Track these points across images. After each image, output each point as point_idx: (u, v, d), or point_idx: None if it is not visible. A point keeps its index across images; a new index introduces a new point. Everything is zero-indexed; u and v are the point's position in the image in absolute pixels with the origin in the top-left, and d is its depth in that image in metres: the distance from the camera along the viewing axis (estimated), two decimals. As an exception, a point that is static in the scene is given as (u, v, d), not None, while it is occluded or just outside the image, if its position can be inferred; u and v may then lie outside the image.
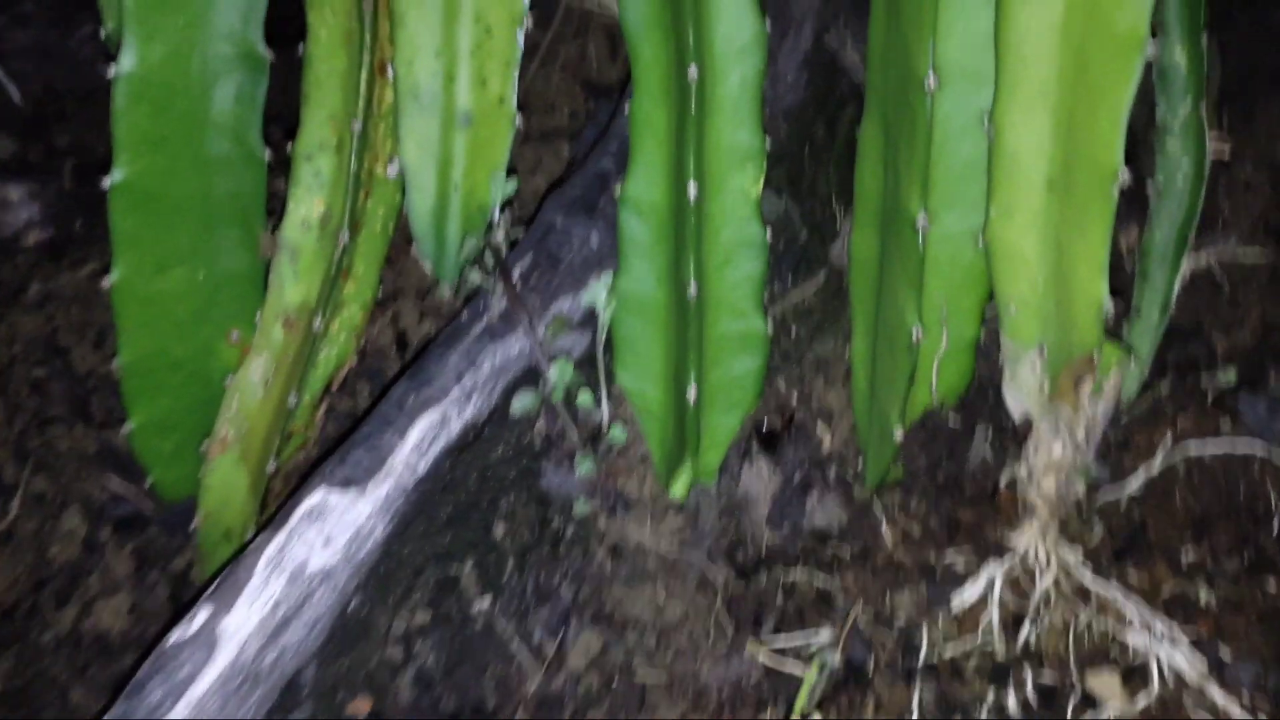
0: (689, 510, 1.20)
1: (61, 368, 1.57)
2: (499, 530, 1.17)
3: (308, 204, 1.23)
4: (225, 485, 1.29)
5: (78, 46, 1.83)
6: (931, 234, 1.00)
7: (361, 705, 1.08)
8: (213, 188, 1.23)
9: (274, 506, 1.34)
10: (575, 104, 1.76)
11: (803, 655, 1.02)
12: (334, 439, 1.37)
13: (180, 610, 1.04)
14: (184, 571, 1.39)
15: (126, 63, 1.10)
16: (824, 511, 1.17)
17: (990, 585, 1.03)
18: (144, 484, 1.38)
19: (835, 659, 0.90)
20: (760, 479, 1.22)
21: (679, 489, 1.19)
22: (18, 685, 1.30)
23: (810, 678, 0.79)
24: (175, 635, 0.97)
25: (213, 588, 1.00)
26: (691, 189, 1.05)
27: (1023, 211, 0.96)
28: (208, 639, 0.96)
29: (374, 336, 1.51)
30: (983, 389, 1.17)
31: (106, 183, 1.14)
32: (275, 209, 1.25)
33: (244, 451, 1.27)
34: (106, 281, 1.18)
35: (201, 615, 0.98)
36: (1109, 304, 0.91)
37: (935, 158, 0.99)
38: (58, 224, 1.70)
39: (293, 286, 1.23)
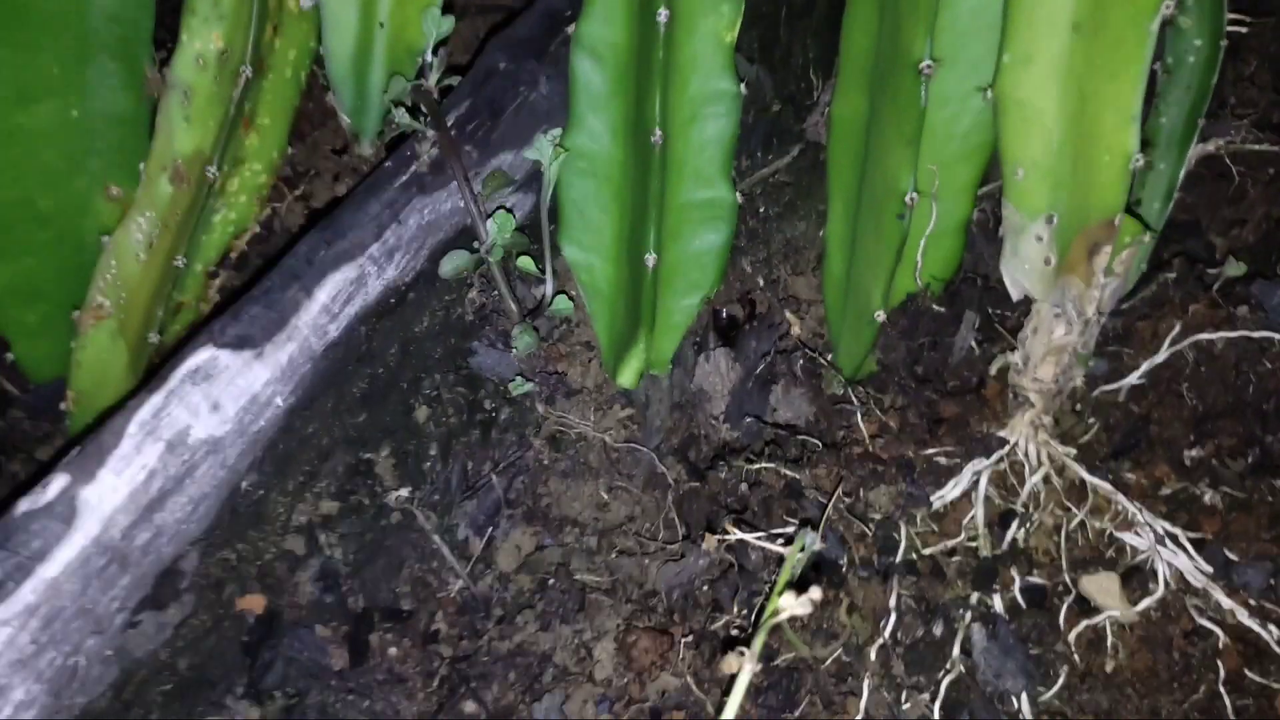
0: (638, 401, 1.07)
1: (-92, 234, 1.35)
2: (421, 412, 1.02)
3: (204, 36, 1.05)
4: (100, 361, 1.11)
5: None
6: (931, 93, 0.88)
7: (254, 602, 0.93)
8: (90, 5, 1.05)
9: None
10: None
11: (767, 553, 0.90)
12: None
13: (32, 478, 0.87)
14: (51, 460, 1.21)
15: None
16: (789, 406, 1.05)
17: (975, 482, 0.92)
18: (4, 361, 1.20)
19: (815, 542, 0.78)
20: (718, 372, 1.09)
21: (628, 377, 1.06)
22: None
23: (792, 557, 0.68)
24: (24, 504, 0.80)
25: (73, 453, 0.83)
26: (662, 17, 0.90)
27: (1042, 59, 0.85)
28: (65, 509, 0.80)
29: (282, 215, 1.34)
30: (968, 277, 1.06)
31: (-43, -19, 0.95)
32: (166, 42, 1.08)
33: (122, 323, 1.10)
34: (-45, 106, 1.00)
35: (58, 483, 0.81)
36: (1139, 158, 0.80)
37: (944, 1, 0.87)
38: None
39: (184, 132, 1.06)
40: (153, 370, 1.09)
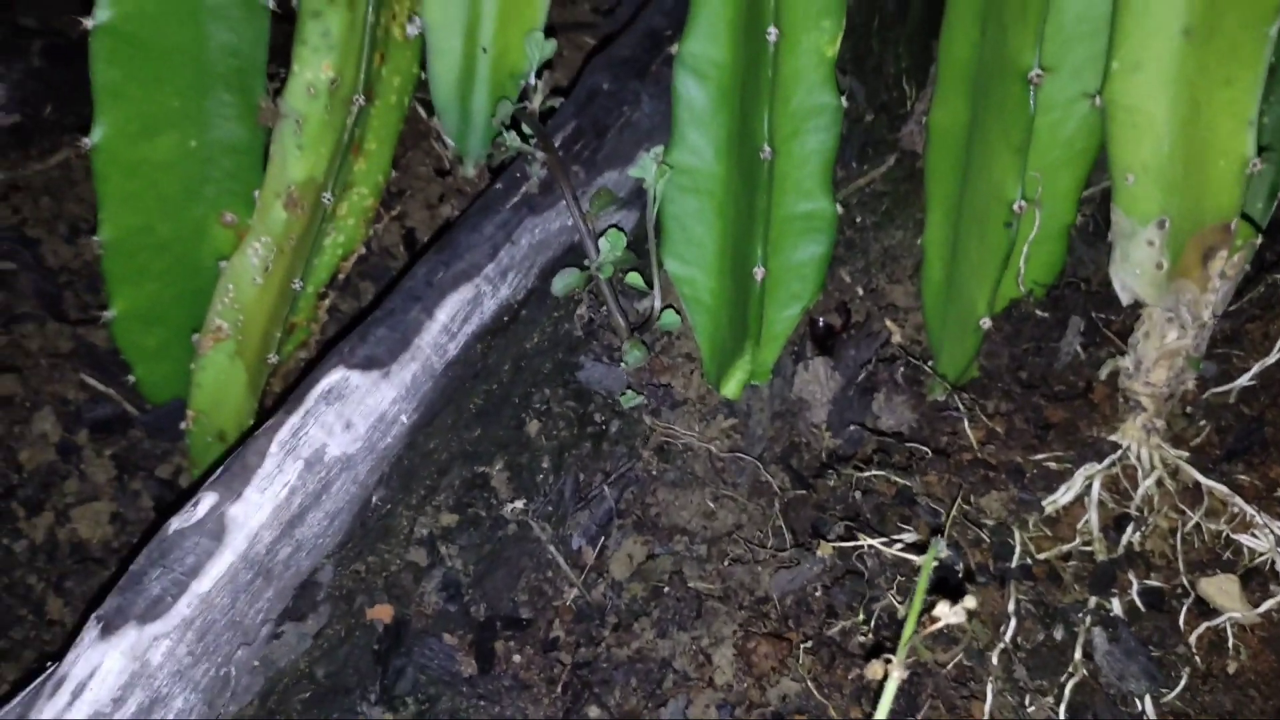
0: (740, 411, 1.09)
1: (31, 261, 1.42)
2: (533, 426, 1.05)
3: (314, 67, 1.08)
4: (219, 382, 1.16)
5: (47, -84, 1.66)
6: (1041, 101, 0.89)
7: (383, 612, 0.96)
8: (208, 40, 1.09)
9: (272, 408, 1.21)
10: (596, -2, 1.63)
11: (883, 559, 0.91)
12: (333, 343, 1.24)
13: (181, 497, 0.91)
14: (171, 478, 1.26)
15: (114, -120, 0.95)
16: (892, 413, 1.06)
17: (1087, 486, 0.93)
18: (125, 383, 1.25)
19: (944, 549, 0.79)
20: (818, 381, 1.11)
21: (732, 388, 1.08)
22: (-14, 598, 1.17)
23: (928, 565, 0.69)
24: (176, 522, 0.84)
25: (218, 472, 0.88)
26: (771, 35, 0.92)
27: (1152, 64, 0.85)
28: (215, 527, 0.84)
29: (379, 235, 1.39)
30: (1071, 282, 1.06)
31: (89, 24, 1.00)
32: (278, 74, 1.12)
33: (240, 345, 1.14)
34: (87, 141, 1.04)
35: (207, 501, 0.85)
36: (1256, 163, 0.80)
37: (1054, 6, 0.88)
38: (25, 109, 1.54)
39: (296, 160, 1.09)
40: (285, 388, 1.14)
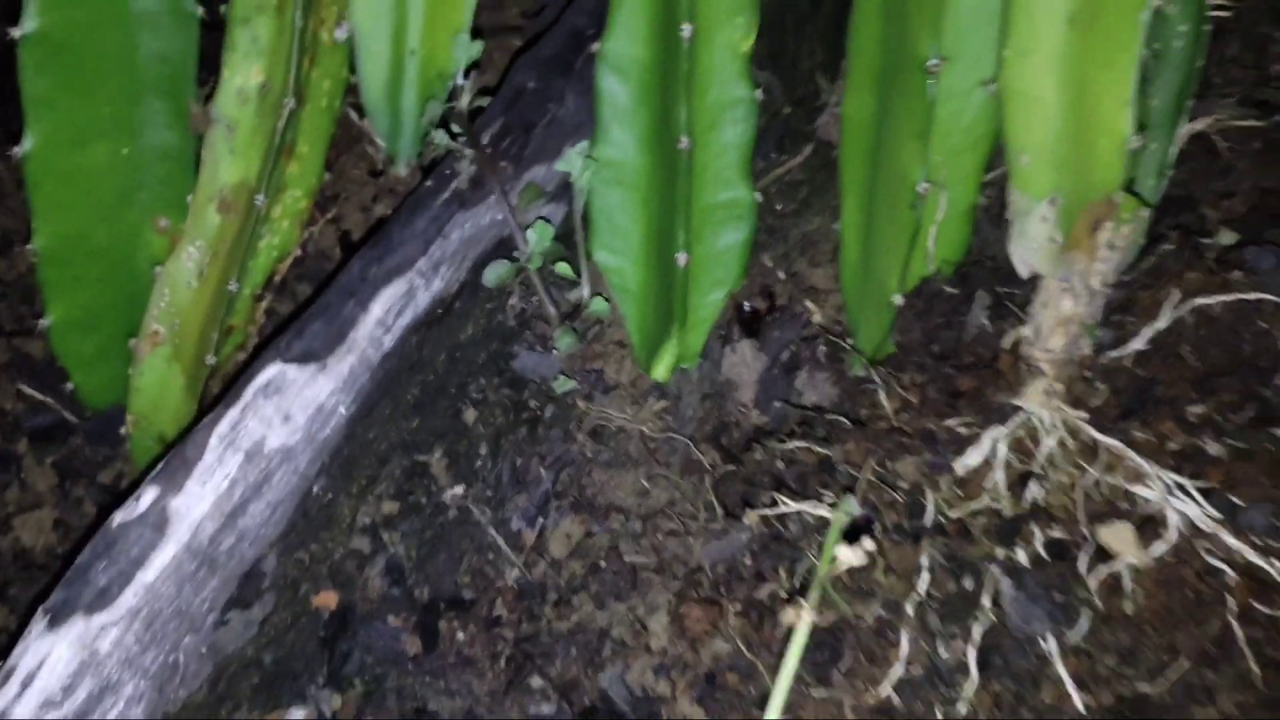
0: (671, 394, 1.14)
1: (-38, 275, 1.42)
2: (470, 414, 1.08)
3: (245, 72, 1.11)
4: (158, 386, 1.17)
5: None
6: (941, 89, 0.95)
7: (328, 598, 0.99)
8: (138, 48, 1.11)
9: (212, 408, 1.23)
10: (524, 1, 1.67)
11: (805, 524, 0.96)
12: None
13: (123, 493, 0.93)
14: (113, 483, 1.27)
15: (38, -110, 0.97)
16: (814, 389, 1.11)
17: (994, 448, 0.99)
18: (64, 391, 1.26)
19: (856, 506, 0.85)
20: (744, 363, 1.16)
21: (661, 371, 1.13)
22: (-73, 608, 1.18)
23: (838, 519, 0.74)
24: (120, 516, 0.87)
25: (160, 467, 0.90)
26: (685, 32, 0.97)
27: (1042, 50, 0.91)
28: (158, 519, 0.86)
29: (315, 238, 1.41)
30: (976, 259, 1.13)
31: (16, 33, 1.01)
32: (208, 80, 1.14)
33: (177, 348, 1.16)
34: (18, 150, 1.06)
35: (149, 495, 0.87)
36: (1135, 139, 0.87)
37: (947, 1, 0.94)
38: (-48, 122, 1.53)
39: (229, 164, 1.12)
40: (223, 388, 1.16)
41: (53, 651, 0.81)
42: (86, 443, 1.29)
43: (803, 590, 0.92)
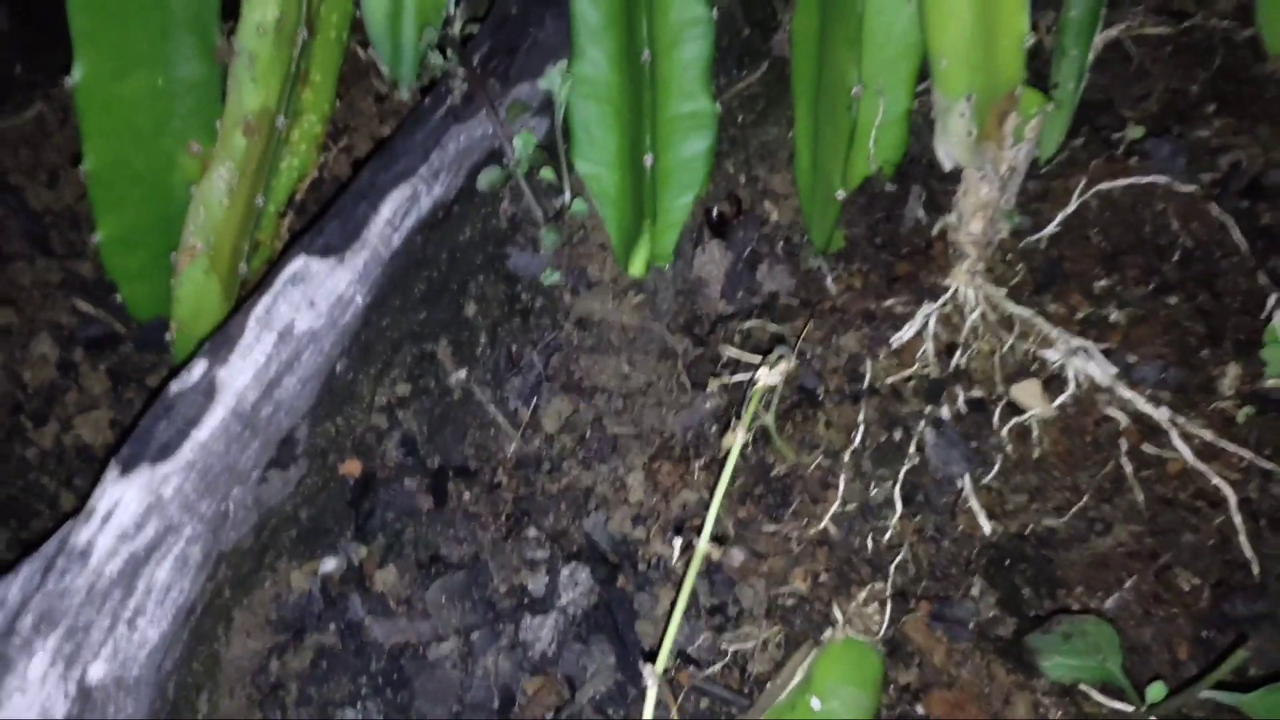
0: (648, 289, 1.29)
1: (16, 205, 1.57)
2: (470, 308, 1.24)
3: (262, 9, 1.24)
4: (197, 294, 1.33)
5: (1, -112, 1.79)
6: (868, 4, 1.08)
7: (353, 466, 1.15)
8: (168, -10, 1.25)
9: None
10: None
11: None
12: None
13: (174, 370, 1.09)
14: (160, 386, 1.43)
15: None
16: (773, 279, 1.26)
17: (926, 322, 1.13)
18: (113, 304, 1.42)
19: (791, 357, 0.99)
20: (713, 260, 1.30)
21: (637, 267, 1.27)
22: (6, 497, 1.35)
23: (772, 359, 0.89)
24: (176, 385, 1.03)
25: (208, 344, 1.06)
26: (642, -41, 1.10)
27: (952, -37, 1.04)
28: (207, 387, 1.02)
29: (330, 165, 1.55)
30: (915, 160, 1.26)
31: (63, -22, 1.15)
32: (230, 15, 1.28)
33: (214, 260, 1.31)
34: (69, 80, 1.20)
35: (199, 367, 1.03)
36: (1030, 37, 1.00)
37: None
38: (-3, 68, 1.68)
39: (251, 92, 1.26)
40: (249, 292, 1.31)
41: (125, 494, 0.97)
42: (135, 350, 1.45)
43: (755, 443, 1.08)
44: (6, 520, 1.34)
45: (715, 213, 1.34)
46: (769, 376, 0.81)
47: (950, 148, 1.11)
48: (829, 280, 1.20)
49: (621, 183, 1.24)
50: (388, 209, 1.14)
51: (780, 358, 0.91)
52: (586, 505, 1.15)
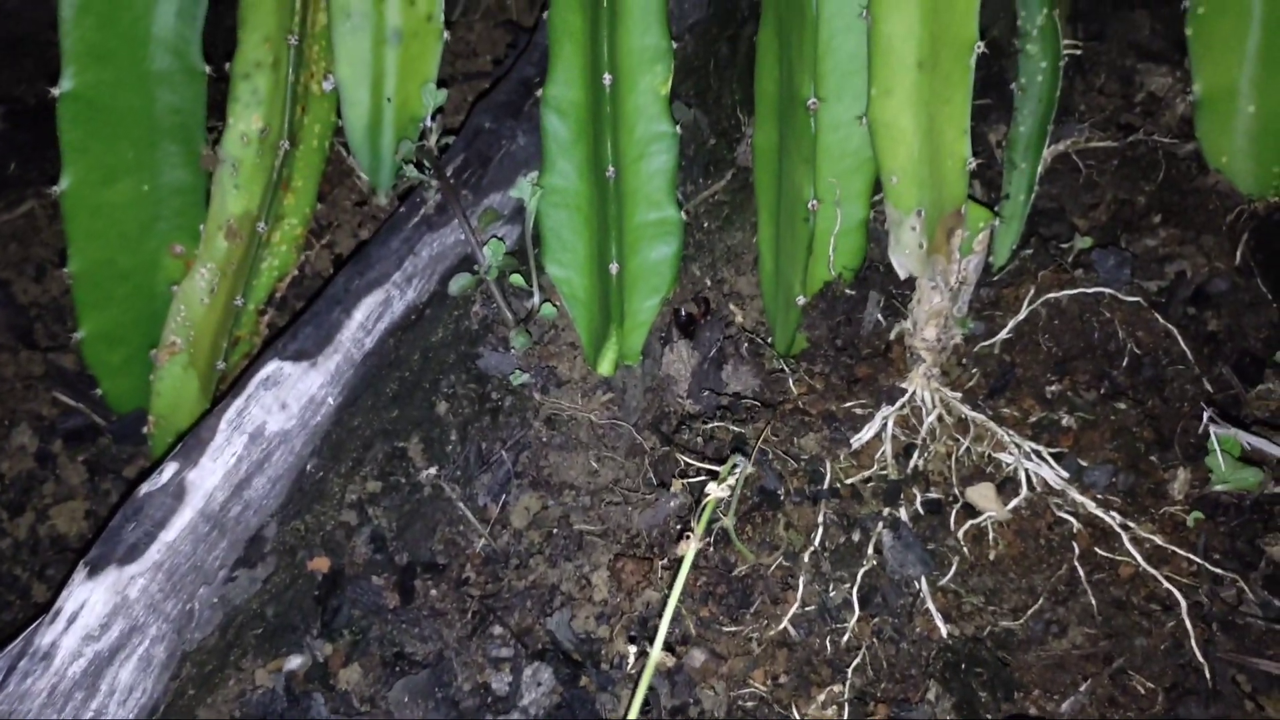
0: (616, 388, 1.32)
1: (2, 299, 1.61)
2: (441, 406, 1.27)
3: (246, 119, 1.31)
4: (175, 389, 1.36)
5: (3, -2, 1.87)
6: (822, 122, 1.14)
7: (321, 563, 1.17)
8: (156, 101, 1.31)
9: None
10: (497, 50, 1.86)
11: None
12: (277, 353, 1.45)
13: (146, 471, 1.11)
14: (137, 478, 1.45)
15: (73, -24, 1.17)
16: (738, 379, 1.29)
17: (884, 425, 1.16)
18: (93, 397, 1.45)
19: (748, 466, 1.02)
20: (680, 360, 1.33)
21: (606, 366, 1.31)
22: (-24, 588, 1.36)
23: (726, 470, 0.91)
24: (146, 487, 1.05)
25: (178, 447, 1.08)
26: (606, 80, 1.16)
27: (899, 90, 1.10)
28: (176, 489, 1.04)
29: (312, 260, 1.60)
30: (874, 266, 1.31)
31: (56, 92, 1.21)
32: (215, 127, 1.34)
33: (192, 356, 1.35)
34: (55, 189, 1.25)
35: (170, 469, 1.06)
36: (972, 161, 1.05)
37: (822, 51, 1.13)
38: (-10, 166, 1.74)
39: (234, 197, 1.32)
40: (226, 389, 1.34)
41: (91, 596, 0.99)
42: (113, 442, 1.47)
43: (716, 544, 1.10)
44: (-23, 610, 1.35)
45: (684, 313, 1.38)
46: (718, 490, 0.84)
47: (903, 259, 1.16)
48: (791, 381, 1.24)
49: (591, 286, 1.29)
50: (360, 313, 1.18)
51: (733, 468, 0.94)
52: (552, 603, 1.16)
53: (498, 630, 1.15)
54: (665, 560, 1.15)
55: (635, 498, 1.23)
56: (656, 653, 0.82)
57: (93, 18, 1.21)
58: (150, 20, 1.26)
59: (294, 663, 1.13)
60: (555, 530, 1.22)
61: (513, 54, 1.65)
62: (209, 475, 1.06)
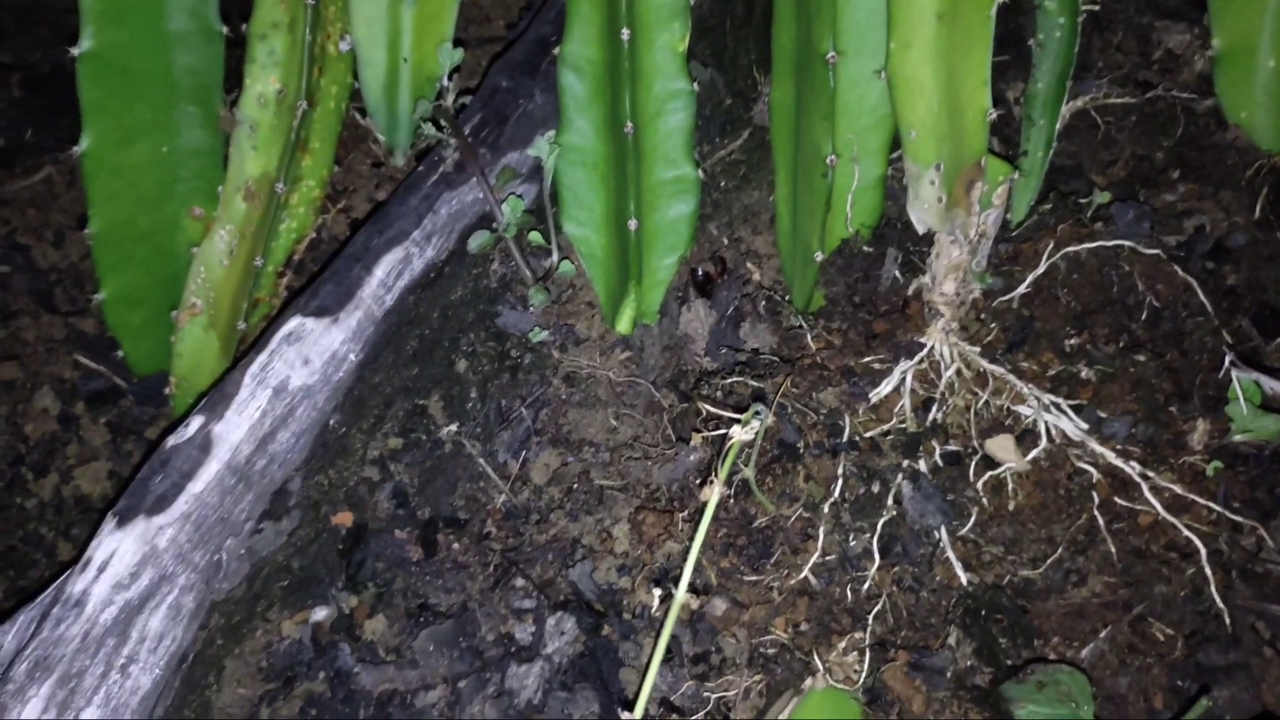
0: (634, 346, 1.32)
1: (23, 264, 1.62)
2: (461, 364, 1.27)
3: (263, 80, 1.31)
4: (196, 350, 1.37)
5: (16, -35, 1.87)
6: (840, 79, 1.14)
7: (345, 517, 1.18)
8: (173, 62, 1.31)
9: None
10: (510, 15, 1.86)
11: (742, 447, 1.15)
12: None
13: (173, 423, 1.13)
14: (159, 438, 1.47)
15: (91, -66, 1.17)
16: (756, 336, 1.30)
17: (903, 379, 1.17)
18: (115, 360, 1.46)
19: (769, 416, 1.03)
20: (698, 318, 1.34)
21: (624, 324, 1.31)
22: (5, 547, 1.37)
23: (747, 417, 0.92)
24: (172, 440, 1.06)
25: (204, 400, 1.09)
26: (624, 35, 1.16)
27: (918, 43, 1.10)
28: (203, 442, 1.05)
29: (329, 224, 1.60)
30: (891, 223, 1.31)
31: (75, 51, 1.21)
32: (233, 88, 1.34)
33: (213, 317, 1.36)
34: (75, 149, 1.25)
35: (195, 422, 1.07)
36: (993, 112, 1.05)
37: (841, 5, 1.13)
38: (8, 134, 1.74)
39: (252, 159, 1.32)
40: (247, 349, 1.35)
41: (121, 545, 1.00)
42: (135, 404, 1.48)
43: (736, 495, 1.11)
44: (4, 570, 1.37)
45: (700, 272, 1.38)
46: (742, 434, 0.85)
47: (922, 213, 1.16)
48: (809, 338, 1.24)
49: (608, 244, 1.29)
50: (381, 271, 1.19)
51: (755, 415, 0.94)
52: (573, 555, 1.17)
53: (520, 582, 1.16)
54: (686, 513, 1.15)
55: (655, 453, 1.24)
56: (681, 594, 0.83)
57: (111, -23, 1.21)
58: (167, -20, 1.26)
59: (320, 614, 1.14)
60: (575, 485, 1.22)
61: (527, 17, 1.64)
62: (234, 429, 1.07)
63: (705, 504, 1.12)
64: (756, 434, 0.85)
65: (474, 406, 1.27)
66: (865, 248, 1.28)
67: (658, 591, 0.98)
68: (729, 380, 1.22)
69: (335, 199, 1.61)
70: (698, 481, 1.19)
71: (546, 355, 1.30)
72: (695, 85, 1.21)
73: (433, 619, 1.12)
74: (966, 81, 1.07)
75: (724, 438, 1.16)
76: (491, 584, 1.16)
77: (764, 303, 1.32)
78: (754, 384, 1.21)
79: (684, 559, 1.13)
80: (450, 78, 1.32)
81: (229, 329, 1.38)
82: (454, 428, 1.25)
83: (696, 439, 1.15)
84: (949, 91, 1.09)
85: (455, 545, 1.19)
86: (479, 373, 1.28)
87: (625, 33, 1.15)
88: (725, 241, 1.36)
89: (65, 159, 1.72)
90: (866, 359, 1.21)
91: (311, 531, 1.16)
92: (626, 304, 1.30)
